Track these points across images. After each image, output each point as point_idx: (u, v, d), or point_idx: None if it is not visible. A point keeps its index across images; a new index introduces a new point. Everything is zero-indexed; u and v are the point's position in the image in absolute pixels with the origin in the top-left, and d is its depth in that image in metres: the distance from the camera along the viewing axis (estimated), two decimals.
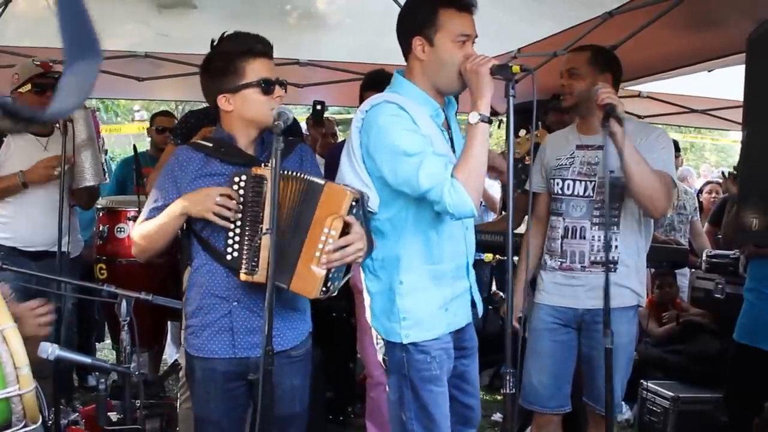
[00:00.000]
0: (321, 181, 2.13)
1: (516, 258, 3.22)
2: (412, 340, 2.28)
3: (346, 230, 2.08)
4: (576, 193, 2.94)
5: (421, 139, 2.18)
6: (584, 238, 2.92)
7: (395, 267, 2.29)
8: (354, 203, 2.09)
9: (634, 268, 2.95)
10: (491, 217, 5.51)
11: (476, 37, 2.27)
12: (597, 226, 2.89)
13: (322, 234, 2.07)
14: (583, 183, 2.93)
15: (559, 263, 2.97)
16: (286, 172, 2.14)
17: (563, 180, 2.97)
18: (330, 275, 2.11)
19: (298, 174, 2.15)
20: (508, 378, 2.05)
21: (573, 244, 2.94)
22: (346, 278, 2.23)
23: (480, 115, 2.15)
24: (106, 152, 3.79)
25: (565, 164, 2.98)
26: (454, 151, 2.35)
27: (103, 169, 3.61)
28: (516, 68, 2.09)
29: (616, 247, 2.90)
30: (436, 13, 2.23)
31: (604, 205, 2.70)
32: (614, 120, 2.57)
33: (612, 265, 2.86)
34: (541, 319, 3.02)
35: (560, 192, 2.98)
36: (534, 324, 3.05)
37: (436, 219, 2.28)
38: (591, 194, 2.91)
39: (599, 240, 2.89)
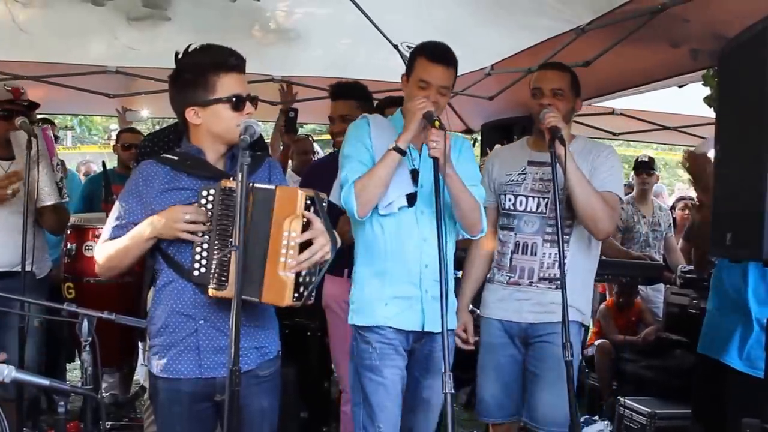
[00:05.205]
0: (271, 186, 2.10)
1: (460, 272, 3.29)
2: (354, 323, 2.69)
3: (306, 230, 2.04)
4: (528, 209, 2.96)
5: (359, 146, 2.65)
6: (535, 254, 2.93)
7: (356, 257, 2.74)
8: (309, 201, 2.05)
9: (580, 286, 2.95)
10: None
11: (443, 87, 2.62)
12: (549, 243, 2.91)
13: (283, 237, 2.02)
14: (536, 199, 2.95)
15: (507, 278, 2.98)
16: (250, 184, 2.08)
17: (515, 196, 2.99)
18: (300, 280, 2.05)
19: (253, 184, 2.10)
20: (445, 379, 2.23)
21: (523, 260, 2.95)
22: (318, 278, 2.15)
23: (395, 145, 2.53)
24: (63, 169, 3.64)
25: (517, 180, 3.00)
26: (417, 174, 2.66)
27: (59, 188, 3.46)
28: (437, 123, 2.45)
29: (565, 264, 2.86)
30: (414, 59, 2.68)
31: (556, 222, 2.69)
32: (558, 142, 2.66)
33: (557, 282, 2.83)
34: (491, 333, 3.03)
35: (512, 207, 2.99)
36: (483, 338, 3.06)
37: (381, 216, 2.63)
38: (544, 210, 2.93)
39: (550, 257, 2.91)
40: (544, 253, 2.92)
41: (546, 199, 2.92)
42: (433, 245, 2.56)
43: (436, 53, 2.64)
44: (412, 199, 2.66)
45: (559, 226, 2.62)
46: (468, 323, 3.05)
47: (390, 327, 2.64)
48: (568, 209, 2.86)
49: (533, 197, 2.96)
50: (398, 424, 2.67)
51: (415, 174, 2.68)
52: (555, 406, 2.72)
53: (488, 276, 3.09)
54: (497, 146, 3.36)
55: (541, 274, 2.92)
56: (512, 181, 3.01)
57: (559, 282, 2.79)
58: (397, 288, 2.65)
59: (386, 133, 2.67)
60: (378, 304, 2.65)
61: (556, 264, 2.86)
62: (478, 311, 3.19)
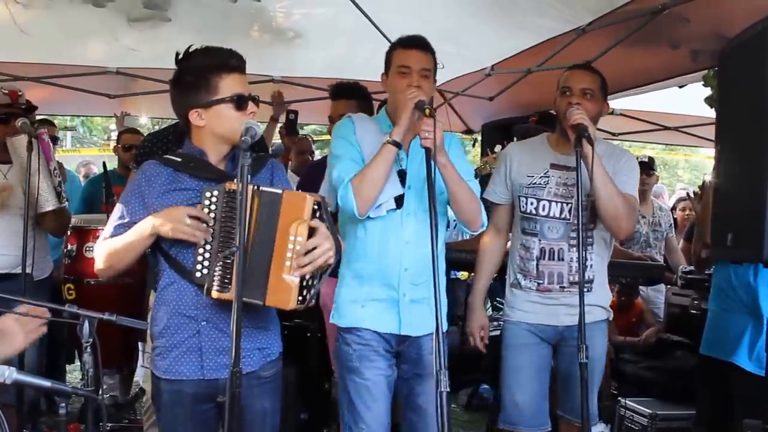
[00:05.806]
0: (278, 190, 2.11)
1: (464, 273, 3.28)
2: (334, 322, 2.70)
3: (312, 235, 2.05)
4: (552, 214, 2.93)
5: (347, 145, 2.62)
6: (562, 259, 2.92)
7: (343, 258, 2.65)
8: (316, 206, 2.07)
9: (604, 285, 3.03)
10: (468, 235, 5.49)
11: (424, 69, 2.59)
12: (574, 248, 2.89)
13: (289, 242, 2.03)
14: (559, 204, 2.92)
15: (536, 284, 2.95)
16: (256, 187, 2.10)
17: (538, 200, 2.94)
18: (305, 283, 2.07)
19: (259, 187, 2.11)
20: (441, 378, 2.17)
21: (551, 265, 2.93)
22: (320, 282, 2.18)
23: (390, 138, 2.49)
24: (61, 173, 3.63)
25: (540, 183, 2.96)
26: (405, 173, 2.61)
27: (58, 193, 3.44)
28: (428, 111, 2.41)
29: (591, 266, 2.92)
30: (390, 54, 2.68)
31: (578, 227, 2.71)
32: (585, 141, 2.64)
33: (588, 284, 2.88)
34: (519, 335, 2.99)
35: (534, 212, 2.95)
36: (511, 341, 3.02)
37: (366, 218, 2.57)
38: (568, 216, 2.91)
39: (577, 261, 2.88)
40: (571, 258, 2.90)
41: (569, 205, 2.90)
42: (414, 248, 2.58)
43: (410, 40, 2.64)
44: (399, 200, 2.63)
45: (581, 230, 2.65)
46: (485, 325, 3.05)
47: (366, 329, 2.62)
48: (590, 214, 2.88)
49: (557, 202, 2.92)
50: (385, 424, 2.62)
51: (402, 175, 2.64)
52: (593, 402, 2.86)
53: (512, 281, 3.05)
54: (513, 142, 3.30)
55: (571, 279, 2.91)
56: (534, 183, 2.96)
57: (590, 284, 2.90)
58: (373, 290, 2.63)
59: (371, 131, 2.65)
60: (354, 306, 2.65)
61: (584, 267, 2.87)
62: None
